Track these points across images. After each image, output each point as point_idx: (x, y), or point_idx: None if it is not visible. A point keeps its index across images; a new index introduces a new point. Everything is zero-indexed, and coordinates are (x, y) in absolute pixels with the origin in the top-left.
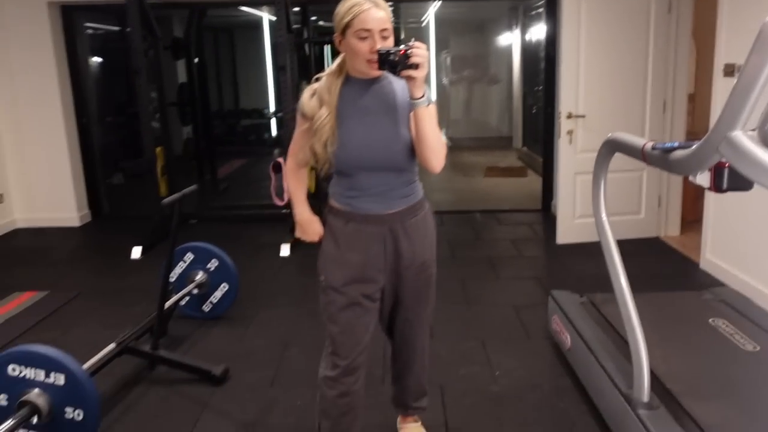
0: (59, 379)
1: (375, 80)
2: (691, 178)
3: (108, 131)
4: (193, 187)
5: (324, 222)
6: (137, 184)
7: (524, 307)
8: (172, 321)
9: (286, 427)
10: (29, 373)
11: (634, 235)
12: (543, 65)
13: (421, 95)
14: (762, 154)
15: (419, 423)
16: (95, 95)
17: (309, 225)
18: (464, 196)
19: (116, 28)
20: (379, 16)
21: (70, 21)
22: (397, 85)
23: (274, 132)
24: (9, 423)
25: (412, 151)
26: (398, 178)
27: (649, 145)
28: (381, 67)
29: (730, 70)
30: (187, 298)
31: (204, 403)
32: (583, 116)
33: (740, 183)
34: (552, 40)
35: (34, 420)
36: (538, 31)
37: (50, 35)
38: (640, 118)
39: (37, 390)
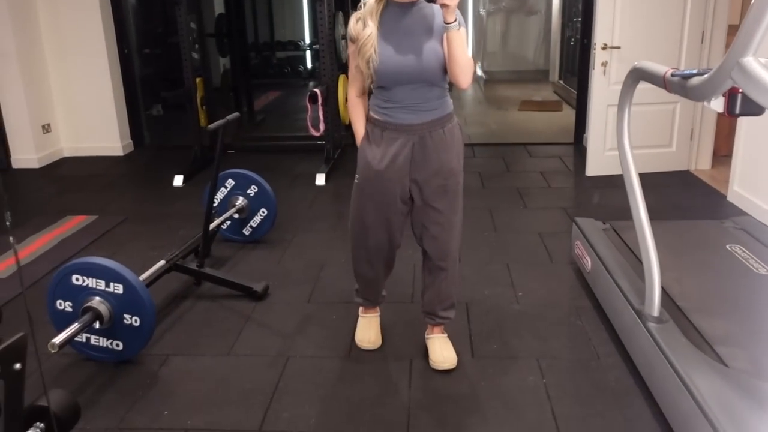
0: (118, 288)
1: (411, 5)
2: (706, 103)
3: (147, 62)
4: (235, 114)
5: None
6: (175, 115)
7: (549, 234)
8: (215, 244)
9: (322, 337)
10: (91, 282)
11: (665, 168)
12: None
13: (453, 20)
14: None
15: (446, 335)
16: (134, 26)
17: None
18: (497, 130)
19: None
20: None
21: None
22: (430, 10)
23: (309, 64)
24: (75, 327)
25: (443, 68)
26: (430, 92)
27: (670, 72)
28: None
29: None
30: (228, 222)
31: (246, 316)
32: (618, 47)
33: (752, 108)
34: None
35: (96, 325)
36: None
37: None
38: (677, 50)
39: (98, 298)
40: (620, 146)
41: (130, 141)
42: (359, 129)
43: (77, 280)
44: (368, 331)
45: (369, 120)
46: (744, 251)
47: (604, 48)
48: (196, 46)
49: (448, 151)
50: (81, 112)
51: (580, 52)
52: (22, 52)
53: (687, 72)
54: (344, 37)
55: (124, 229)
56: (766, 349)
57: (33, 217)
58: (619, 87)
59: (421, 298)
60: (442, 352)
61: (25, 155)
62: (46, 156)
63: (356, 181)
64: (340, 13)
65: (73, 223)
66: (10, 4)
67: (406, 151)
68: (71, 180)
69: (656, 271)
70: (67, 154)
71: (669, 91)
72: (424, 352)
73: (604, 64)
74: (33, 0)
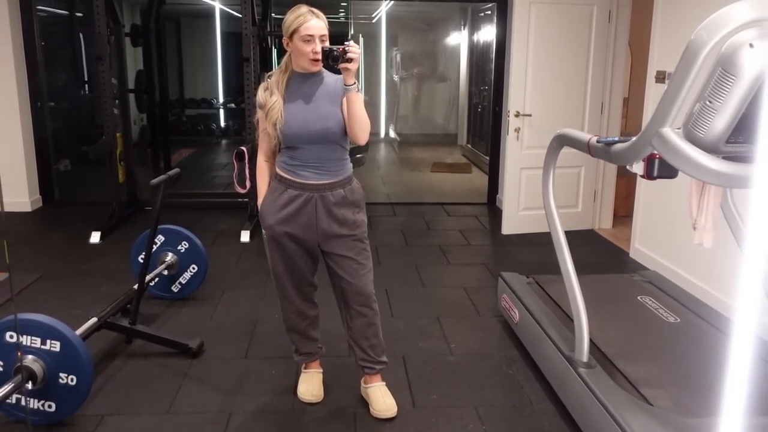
0: (55, 345)
1: (313, 75)
2: (628, 166)
3: (57, 116)
4: (176, 170)
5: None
6: (85, 170)
7: (474, 289)
8: (142, 300)
9: (263, 392)
10: (25, 340)
11: (571, 227)
12: (491, 65)
13: (353, 82)
14: (686, 147)
15: (384, 383)
16: (45, 78)
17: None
18: (413, 189)
19: (65, 12)
20: (320, 25)
21: (26, 4)
22: (331, 79)
23: (222, 122)
24: (6, 388)
25: (343, 129)
26: (333, 152)
27: (594, 139)
28: (324, 60)
29: (661, 77)
30: (157, 279)
31: (183, 373)
32: (529, 115)
33: (668, 171)
34: (502, 43)
35: (29, 385)
36: (486, 33)
37: (7, 17)
38: (580, 119)
39: (31, 356)
40: (546, 206)
41: (39, 196)
42: (262, 189)
43: (11, 337)
44: (310, 384)
45: (275, 177)
46: (653, 302)
47: (517, 115)
48: (116, 101)
49: (351, 206)
50: None
51: (491, 118)
52: None
53: (610, 139)
54: None
55: (41, 287)
56: (684, 388)
57: None
58: (532, 151)
59: (351, 351)
60: (384, 400)
61: None
62: None
63: (264, 236)
64: (265, 73)
65: None
66: None
67: (309, 207)
68: None
69: (584, 319)
70: None
71: (592, 156)
72: (366, 403)
73: (517, 130)
74: None
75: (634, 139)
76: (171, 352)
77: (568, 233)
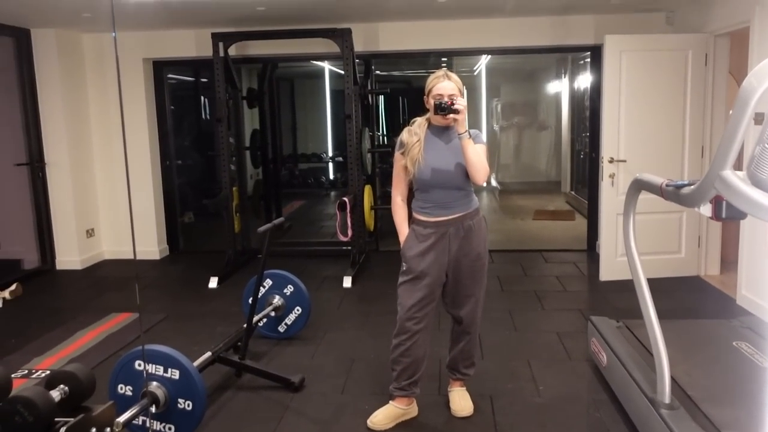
0: (175, 373)
1: (448, 128)
2: (696, 209)
3: (181, 173)
4: (281, 219)
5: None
6: (205, 222)
7: (567, 333)
8: (251, 339)
9: (357, 425)
10: (150, 368)
11: (676, 274)
12: (588, 113)
13: (463, 131)
14: (746, 189)
15: (464, 389)
16: (173, 140)
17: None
18: (513, 237)
19: (191, 79)
20: (450, 86)
21: (159, 74)
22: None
23: (331, 175)
24: (133, 410)
25: (466, 174)
26: (458, 192)
27: (665, 183)
28: (436, 112)
29: (759, 119)
30: (265, 320)
31: (285, 405)
32: (624, 161)
33: (736, 212)
34: (597, 89)
35: (153, 408)
36: (584, 80)
37: (143, 85)
38: (680, 163)
39: (155, 383)
40: (628, 250)
41: (166, 245)
42: (403, 229)
43: (139, 365)
44: (384, 414)
45: (413, 220)
46: (750, 347)
47: (611, 161)
48: (233, 158)
49: (478, 239)
50: (122, 219)
51: (589, 165)
52: (75, 164)
53: (679, 183)
54: (370, 150)
55: (166, 326)
56: None
57: (79, 314)
58: None
59: (449, 352)
60: (461, 402)
61: (70, 257)
62: (88, 258)
63: (403, 269)
64: (366, 129)
65: (117, 321)
66: (66, 115)
67: (443, 242)
68: (113, 280)
69: (665, 360)
70: (107, 257)
71: (665, 199)
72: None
73: (612, 176)
74: (87, 115)
75: (699, 181)
76: (275, 386)
77: (670, 279)
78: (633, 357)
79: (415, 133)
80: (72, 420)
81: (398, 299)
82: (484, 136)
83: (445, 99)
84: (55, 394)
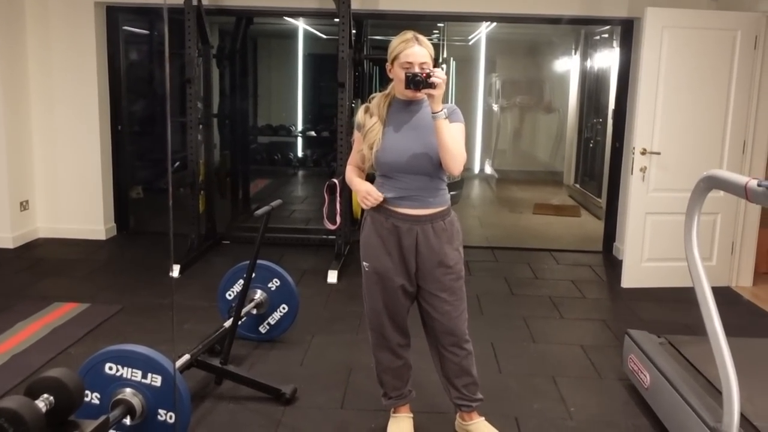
0: (156, 380)
1: (415, 102)
2: None
3: (135, 141)
4: (278, 201)
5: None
6: (155, 198)
7: (592, 347)
8: None
9: None
10: (126, 372)
11: None
12: (607, 96)
13: (439, 110)
14: None
15: (483, 418)
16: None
17: (372, 191)
18: (514, 233)
19: (147, 32)
20: (422, 52)
21: (113, 22)
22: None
23: (299, 152)
24: (101, 419)
25: (438, 160)
26: (429, 183)
27: (755, 182)
28: (407, 86)
29: None
30: (244, 318)
31: (276, 420)
32: (658, 153)
33: None
34: (625, 70)
35: (127, 420)
36: (601, 59)
37: (94, 36)
38: (718, 158)
39: (130, 390)
40: (689, 257)
41: (114, 224)
42: (356, 178)
43: (110, 369)
44: (399, 429)
45: (373, 207)
46: None
47: (644, 153)
48: (200, 126)
49: (451, 243)
50: (64, 191)
51: (611, 155)
52: (7, 124)
53: None
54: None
55: (122, 320)
56: None
57: (16, 303)
58: (660, 194)
59: (447, 388)
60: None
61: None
62: (20, 236)
63: (365, 269)
64: (359, 101)
65: (62, 311)
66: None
67: (410, 241)
68: (52, 263)
69: (735, 388)
70: (43, 234)
71: (749, 201)
72: None
73: (643, 170)
74: (25, 69)
75: None
76: (262, 396)
77: None
78: (685, 379)
79: (373, 113)
80: None
81: (364, 304)
82: (460, 113)
83: (417, 69)
84: (40, 405)
